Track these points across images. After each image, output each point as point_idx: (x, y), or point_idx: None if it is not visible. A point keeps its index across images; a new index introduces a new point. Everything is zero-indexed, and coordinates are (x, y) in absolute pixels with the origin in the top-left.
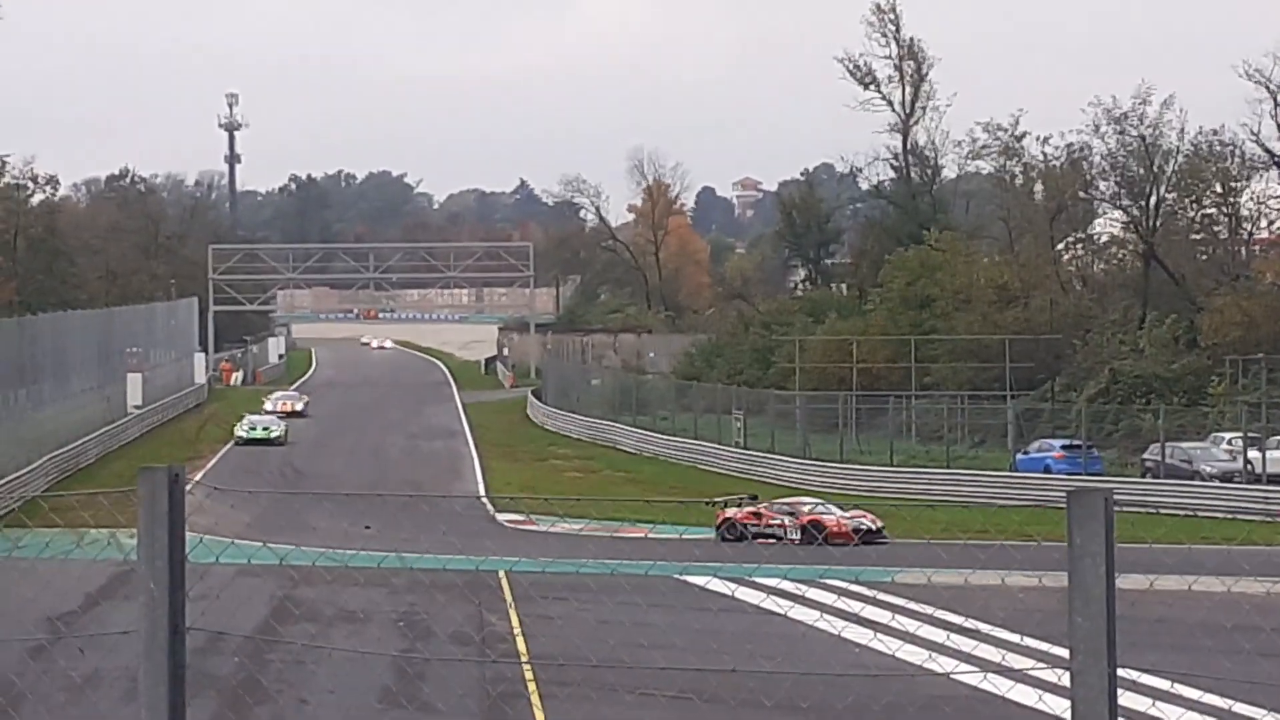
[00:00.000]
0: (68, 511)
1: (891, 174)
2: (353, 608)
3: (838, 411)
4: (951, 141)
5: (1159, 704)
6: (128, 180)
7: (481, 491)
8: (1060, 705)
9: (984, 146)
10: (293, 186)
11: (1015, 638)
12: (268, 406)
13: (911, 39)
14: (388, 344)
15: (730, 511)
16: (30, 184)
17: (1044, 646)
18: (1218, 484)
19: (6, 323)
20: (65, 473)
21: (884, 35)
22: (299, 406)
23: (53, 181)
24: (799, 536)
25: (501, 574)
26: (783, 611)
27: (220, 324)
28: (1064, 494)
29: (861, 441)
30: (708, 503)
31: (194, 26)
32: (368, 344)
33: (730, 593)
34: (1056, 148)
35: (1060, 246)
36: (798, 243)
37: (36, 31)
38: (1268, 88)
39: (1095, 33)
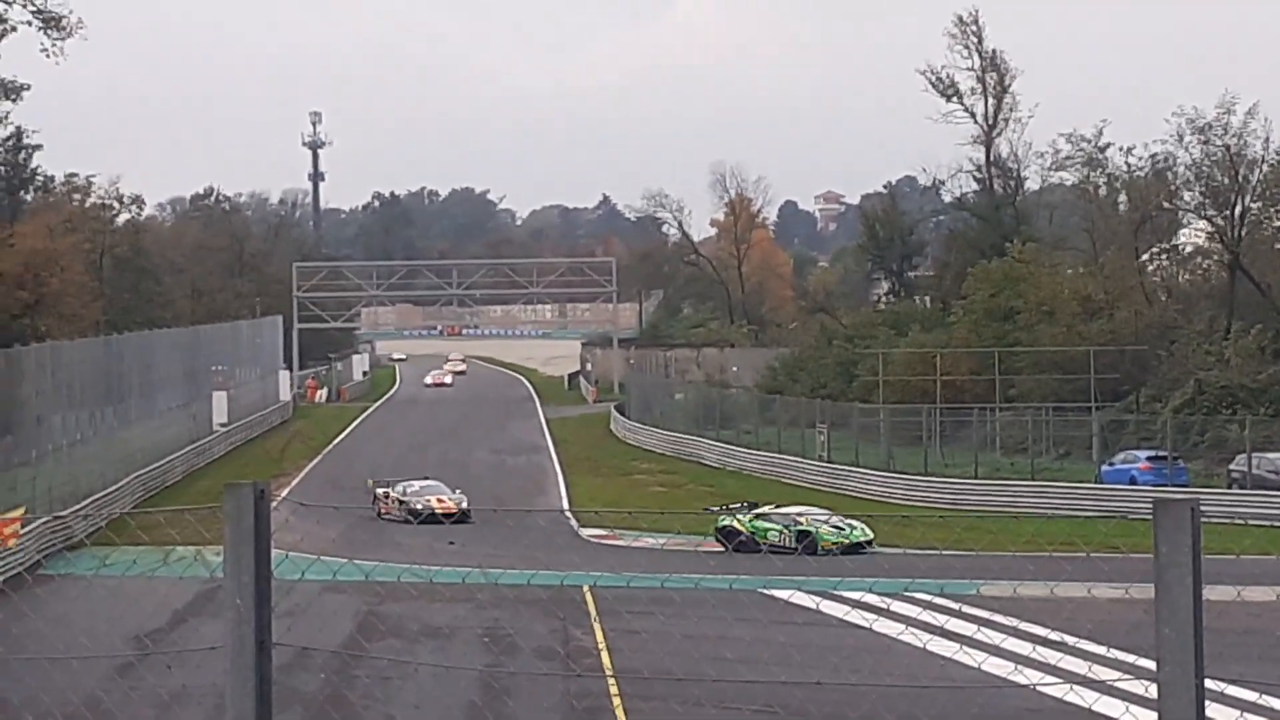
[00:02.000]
0: (154, 529)
1: (974, 186)
2: (438, 623)
3: (921, 424)
4: (1034, 153)
5: (1247, 715)
6: (212, 199)
7: (565, 506)
8: (1148, 717)
9: (1067, 158)
10: (376, 204)
11: (1102, 649)
12: (446, 367)
13: (994, 51)
14: (447, 379)
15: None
16: (116, 204)
17: (1131, 658)
18: None
19: (93, 342)
20: (151, 490)
21: (966, 47)
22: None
23: (138, 201)
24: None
25: (586, 589)
26: (867, 625)
27: (304, 341)
28: (1149, 505)
29: (946, 454)
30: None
31: (278, 44)
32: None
33: (815, 606)
34: (1140, 158)
35: (1145, 257)
36: (880, 256)
37: (120, 51)
38: None
39: (1178, 42)
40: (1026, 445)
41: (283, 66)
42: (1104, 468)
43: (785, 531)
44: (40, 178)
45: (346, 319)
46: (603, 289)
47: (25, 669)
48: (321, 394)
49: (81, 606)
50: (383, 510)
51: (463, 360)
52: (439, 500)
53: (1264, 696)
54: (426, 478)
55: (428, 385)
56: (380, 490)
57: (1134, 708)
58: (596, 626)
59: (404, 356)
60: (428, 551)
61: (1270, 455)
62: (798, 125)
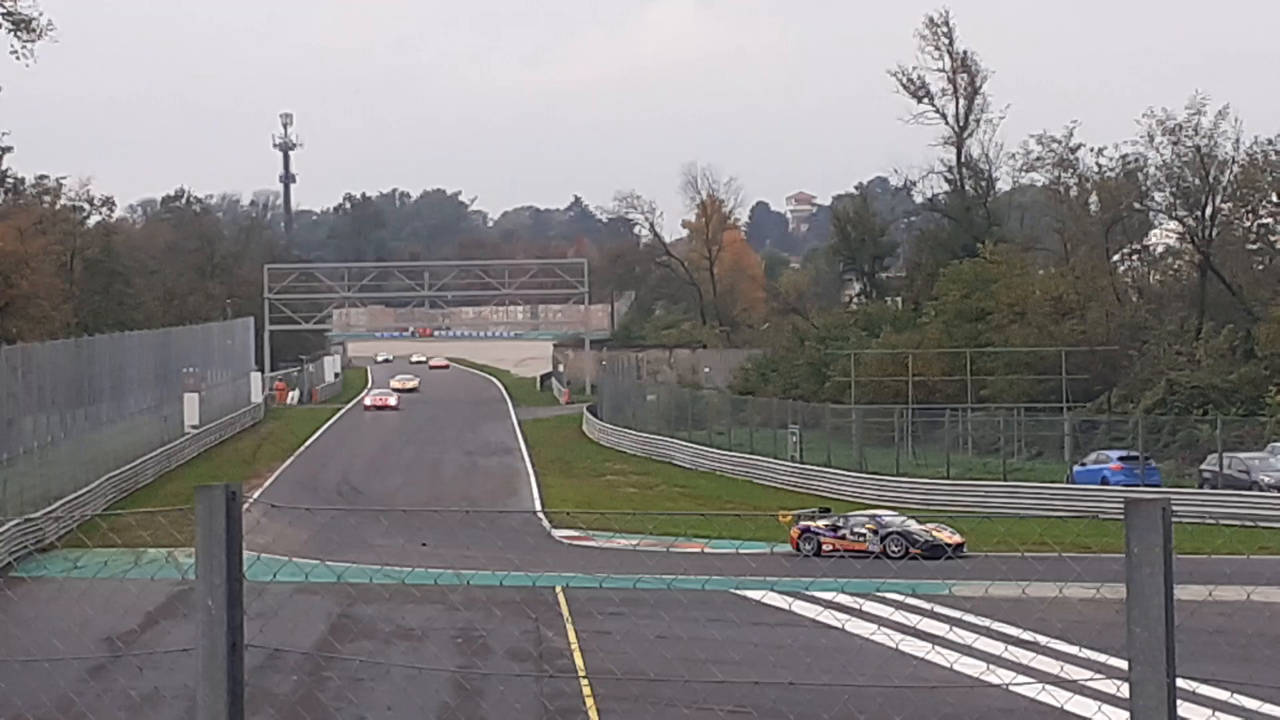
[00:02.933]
0: (126, 531)
1: (946, 187)
2: (410, 624)
3: (894, 425)
4: (1005, 154)
5: (1218, 714)
6: (183, 201)
7: (538, 507)
8: (1119, 716)
9: (1038, 158)
10: (347, 205)
11: (1074, 649)
12: (393, 385)
13: (965, 52)
14: (391, 399)
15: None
16: (86, 205)
17: (1102, 658)
18: (1276, 494)
19: (64, 344)
20: (123, 493)
21: (937, 48)
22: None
23: (109, 203)
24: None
25: (558, 590)
26: (839, 625)
27: (276, 343)
28: (1121, 505)
29: (918, 454)
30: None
31: (248, 46)
32: (422, 361)
33: (787, 606)
34: (1111, 159)
35: (1116, 258)
36: (852, 257)
37: (91, 53)
38: None
39: (1149, 44)
40: (998, 445)
41: (254, 68)
42: (1076, 468)
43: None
44: (10, 180)
45: (318, 321)
46: (574, 290)
47: None
48: (293, 395)
49: (53, 608)
50: None
51: (445, 362)
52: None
53: (1235, 695)
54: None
55: (367, 408)
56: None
57: (1106, 707)
58: (569, 627)
59: (389, 357)
60: (400, 553)
61: (1241, 455)
62: (769, 126)
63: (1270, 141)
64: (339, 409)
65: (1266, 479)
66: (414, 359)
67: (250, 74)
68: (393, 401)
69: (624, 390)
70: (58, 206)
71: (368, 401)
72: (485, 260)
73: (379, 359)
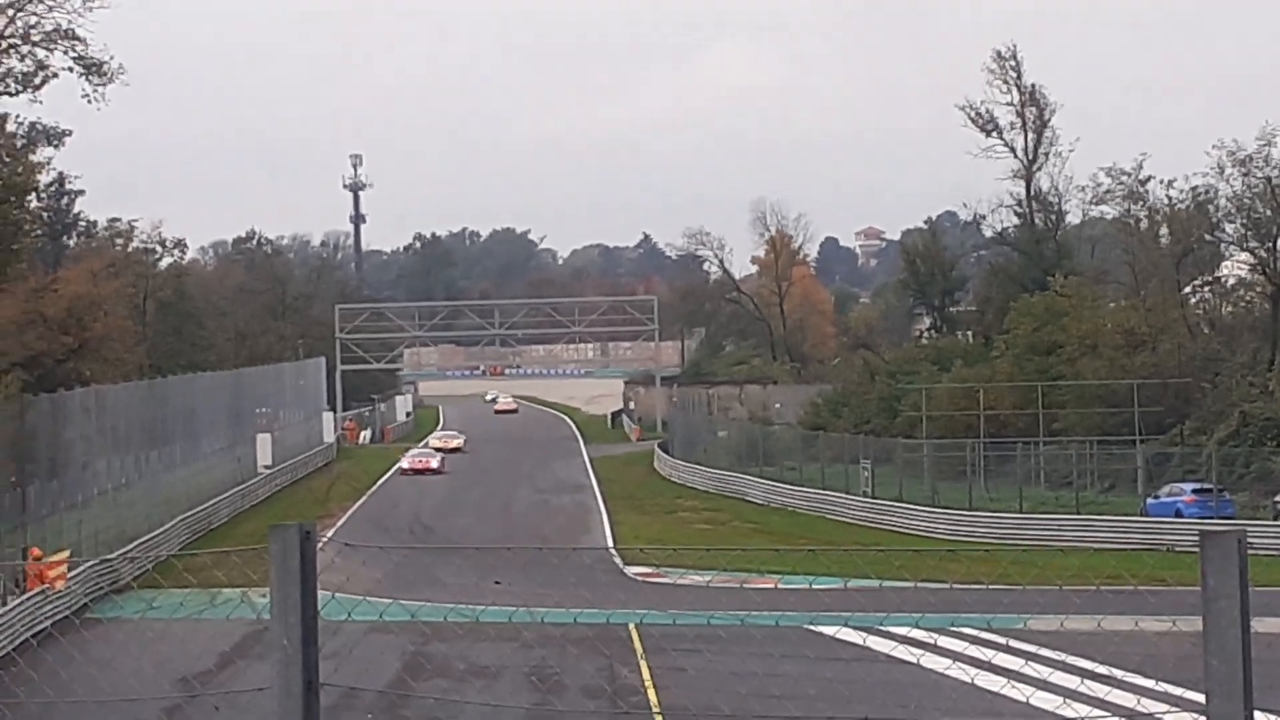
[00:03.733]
0: (200, 571)
1: (1015, 220)
2: (484, 662)
3: (965, 459)
4: (1075, 186)
5: None
6: (254, 242)
7: (610, 544)
8: None
9: (1108, 191)
10: (417, 245)
11: (1150, 683)
12: (432, 443)
13: (1033, 85)
14: (434, 461)
15: None
16: (159, 248)
17: (1179, 691)
18: None
19: (137, 386)
20: (197, 533)
21: (1005, 82)
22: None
23: (180, 245)
24: None
25: (632, 626)
26: (915, 659)
27: (348, 383)
28: (1196, 538)
29: (990, 488)
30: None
31: (317, 87)
32: (492, 400)
33: (861, 641)
34: (1181, 191)
35: (1187, 290)
36: (922, 291)
37: (161, 96)
38: None
39: (1218, 75)
40: (1071, 479)
41: (324, 109)
42: (1149, 500)
43: None
44: (83, 223)
45: (389, 360)
46: (644, 327)
47: (74, 712)
48: (365, 435)
49: (129, 649)
50: None
51: (513, 403)
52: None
53: None
54: None
55: (404, 471)
56: None
57: None
58: (643, 664)
59: (495, 396)
60: (473, 590)
61: None
62: (838, 162)
63: None
64: (410, 449)
65: None
66: (488, 396)
67: (320, 115)
68: (434, 463)
69: (695, 427)
70: (130, 249)
71: (405, 464)
72: (555, 298)
73: (487, 398)
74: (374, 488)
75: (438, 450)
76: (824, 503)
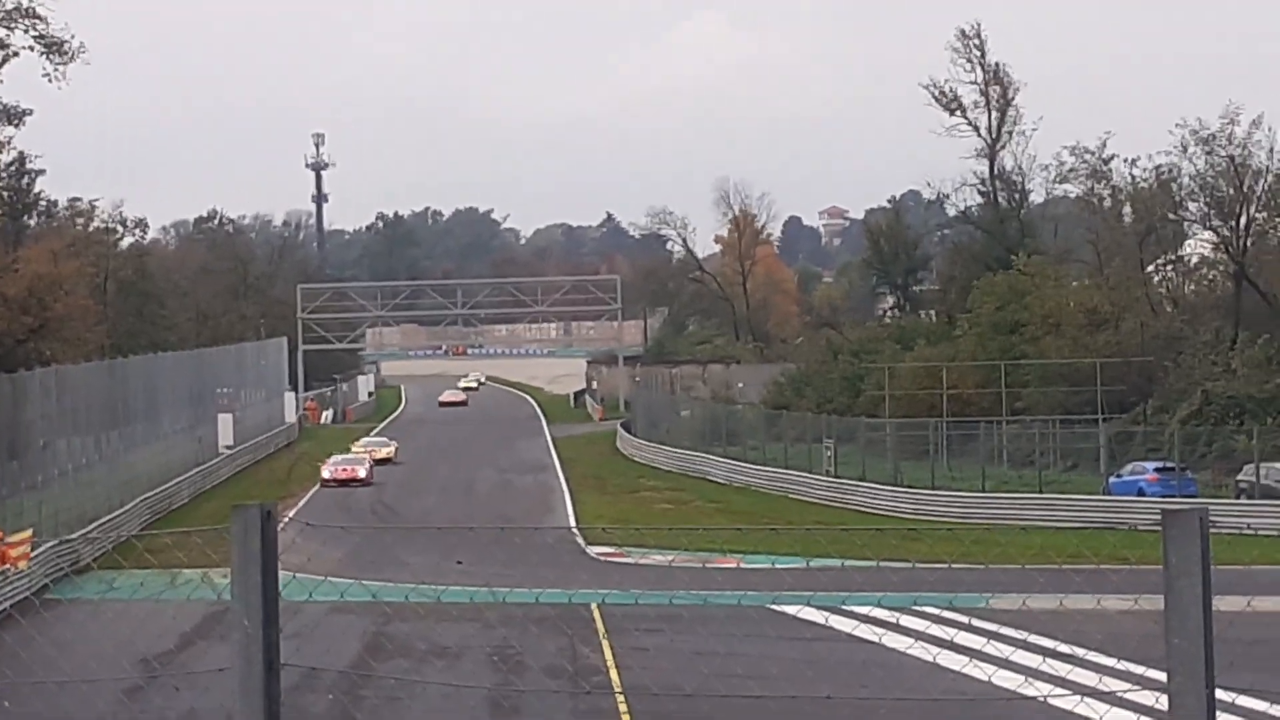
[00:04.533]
0: (161, 552)
1: (979, 199)
2: (446, 642)
3: (928, 438)
4: (1038, 165)
5: None
6: (216, 222)
7: (573, 524)
8: None
9: (1071, 170)
10: (380, 225)
11: (1112, 661)
12: (355, 450)
13: (997, 64)
14: (360, 470)
15: None
16: (119, 227)
17: (1141, 669)
18: None
19: (98, 366)
20: (158, 514)
21: (969, 61)
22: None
23: (141, 224)
24: None
25: (594, 606)
26: (877, 639)
27: (310, 363)
28: (1158, 517)
29: (953, 468)
30: None
31: (279, 67)
32: (473, 387)
33: (823, 621)
34: (1144, 170)
35: (1150, 269)
36: (885, 270)
37: (122, 74)
38: None
39: (1181, 54)
40: (1034, 458)
41: (285, 88)
42: (1112, 479)
43: None
44: (43, 202)
45: (351, 340)
46: (607, 307)
47: (33, 693)
48: (326, 415)
49: (89, 630)
50: None
51: (479, 381)
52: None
53: (1274, 706)
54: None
55: (326, 481)
56: None
57: (1145, 719)
58: (605, 644)
59: (481, 378)
60: (435, 571)
61: (1278, 465)
62: (801, 141)
63: None
64: (372, 428)
65: None
66: (465, 379)
67: (282, 94)
68: (361, 472)
69: (658, 406)
70: (91, 229)
71: (326, 474)
72: (518, 278)
73: (463, 383)
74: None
75: (366, 456)
76: (787, 482)
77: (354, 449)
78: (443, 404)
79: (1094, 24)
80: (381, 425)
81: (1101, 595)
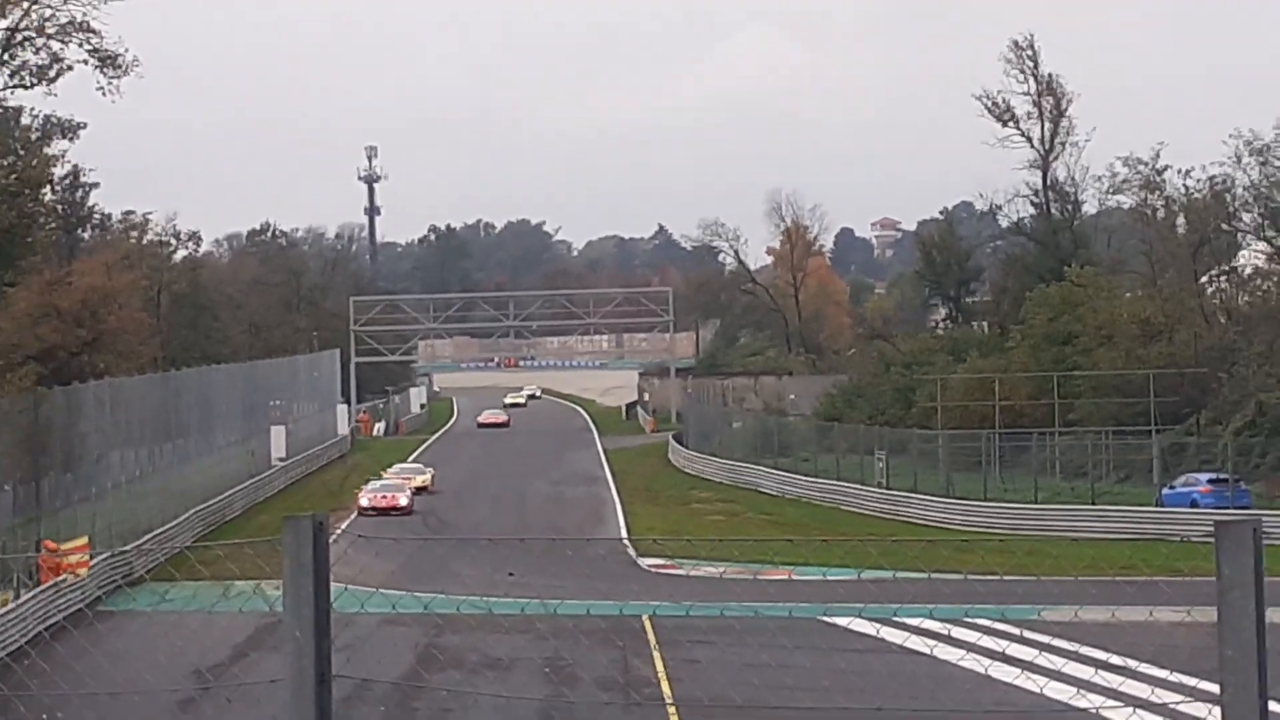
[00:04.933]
0: (214, 564)
1: (1031, 210)
2: (498, 654)
3: (981, 450)
4: (1091, 176)
5: None
6: (269, 235)
7: (624, 535)
8: None
9: (1124, 181)
10: (432, 237)
11: (1164, 673)
12: (387, 477)
13: (1050, 75)
14: (499, 414)
15: None
16: (173, 240)
17: (1193, 681)
18: None
19: (151, 378)
20: (211, 525)
21: (1022, 72)
22: (423, 481)
23: (195, 238)
24: None
25: (645, 618)
26: (928, 650)
27: (362, 375)
28: (1211, 528)
29: (1005, 479)
30: None
31: (332, 80)
32: (519, 404)
33: (874, 633)
34: (1198, 180)
35: (1204, 280)
36: (938, 281)
37: (176, 89)
38: None
39: (1235, 64)
40: (1086, 469)
41: (338, 102)
42: (1165, 491)
43: None
44: (97, 216)
45: (404, 352)
46: (659, 319)
47: (88, 704)
48: (379, 427)
49: (142, 641)
50: None
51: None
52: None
53: None
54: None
55: (364, 510)
56: None
57: None
58: (656, 655)
59: (536, 392)
60: (487, 583)
61: None
62: (853, 152)
63: None
64: (424, 440)
65: None
66: (512, 395)
67: (335, 108)
68: (403, 500)
69: (709, 418)
70: (144, 242)
71: (364, 502)
72: (570, 290)
73: (509, 399)
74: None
75: (395, 491)
76: (838, 494)
77: (386, 476)
78: (482, 425)
79: (1147, 35)
80: (434, 438)
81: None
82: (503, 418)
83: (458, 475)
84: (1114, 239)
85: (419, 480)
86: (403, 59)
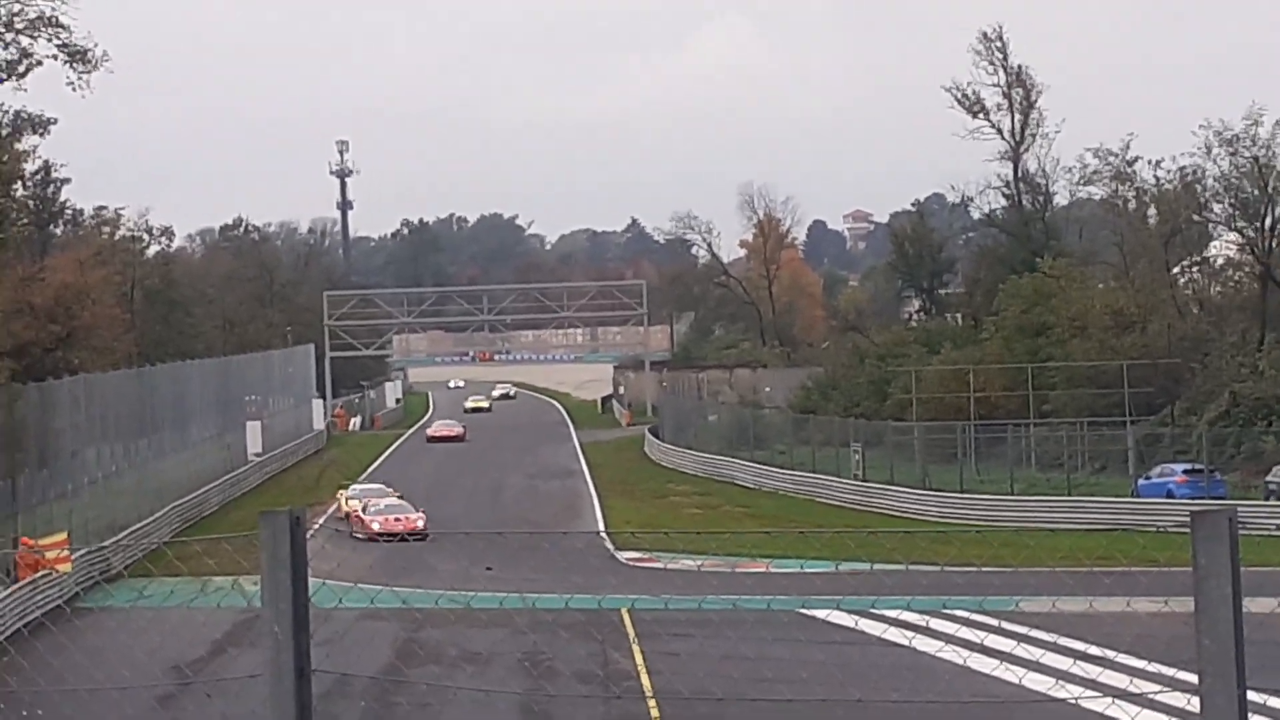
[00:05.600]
0: (191, 559)
1: (1003, 202)
2: (476, 648)
3: (956, 441)
4: (1062, 168)
5: None
6: (241, 229)
7: (601, 529)
8: None
9: (1095, 172)
10: (405, 231)
11: (1142, 663)
12: (340, 499)
13: (1019, 66)
14: (451, 426)
15: None
16: (145, 236)
17: (1171, 671)
18: None
19: (126, 374)
20: (188, 521)
21: (992, 63)
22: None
23: (167, 233)
24: None
25: (624, 611)
26: (906, 642)
27: (337, 370)
28: (1187, 518)
29: (980, 471)
30: None
31: (304, 74)
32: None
33: (853, 624)
34: (1169, 171)
35: (1176, 270)
36: (911, 273)
37: (146, 83)
38: None
39: (1205, 55)
40: (1062, 460)
41: (309, 96)
42: (1140, 481)
43: None
44: (69, 211)
45: (378, 347)
46: (633, 312)
47: (66, 701)
48: (354, 422)
49: (120, 638)
50: (354, 530)
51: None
52: (403, 519)
53: None
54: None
55: (375, 535)
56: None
57: None
58: (635, 648)
59: (461, 384)
60: (465, 577)
61: None
62: (825, 145)
63: None
64: (400, 435)
65: None
66: (473, 400)
67: (306, 102)
68: (420, 524)
69: (685, 411)
70: (117, 237)
71: (376, 527)
72: (543, 283)
73: (451, 385)
74: (364, 475)
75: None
76: (815, 486)
77: (341, 499)
78: (433, 439)
79: (1116, 26)
80: (410, 432)
81: (1131, 597)
82: (457, 429)
83: (432, 471)
84: (1085, 230)
85: (457, 429)
86: (374, 52)
